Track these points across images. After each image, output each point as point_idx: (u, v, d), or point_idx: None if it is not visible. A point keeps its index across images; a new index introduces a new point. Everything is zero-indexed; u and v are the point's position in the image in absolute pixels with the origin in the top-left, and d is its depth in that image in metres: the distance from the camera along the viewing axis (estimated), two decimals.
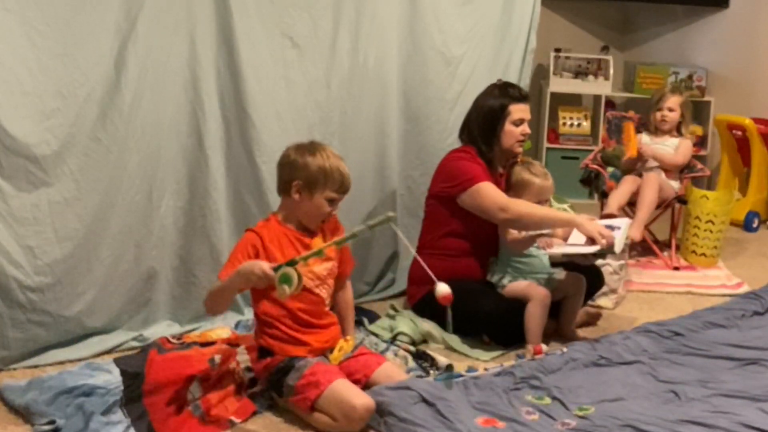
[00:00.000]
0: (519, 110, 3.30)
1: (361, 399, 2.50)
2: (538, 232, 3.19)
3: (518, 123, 3.30)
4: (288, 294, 2.42)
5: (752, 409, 2.54)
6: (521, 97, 3.33)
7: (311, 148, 2.67)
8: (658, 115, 4.41)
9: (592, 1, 5.92)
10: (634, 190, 4.22)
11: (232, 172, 3.29)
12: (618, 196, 4.19)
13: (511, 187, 3.29)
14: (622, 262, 3.76)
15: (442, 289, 2.42)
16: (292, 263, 2.44)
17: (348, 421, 2.50)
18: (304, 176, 2.62)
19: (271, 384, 2.67)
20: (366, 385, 2.66)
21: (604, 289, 3.64)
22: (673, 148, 4.38)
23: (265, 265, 2.43)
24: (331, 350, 2.75)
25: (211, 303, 2.62)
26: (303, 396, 2.56)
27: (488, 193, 3.19)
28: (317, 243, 2.68)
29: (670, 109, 4.39)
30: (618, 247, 3.04)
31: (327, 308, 2.77)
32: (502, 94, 3.33)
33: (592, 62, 5.71)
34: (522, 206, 3.16)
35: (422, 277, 3.34)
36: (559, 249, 3.15)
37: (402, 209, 3.80)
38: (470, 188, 3.21)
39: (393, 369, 2.78)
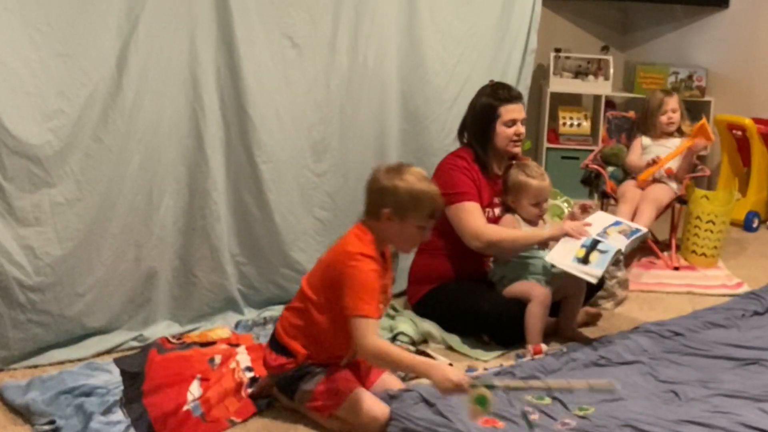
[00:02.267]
0: (509, 111, 3.29)
1: (381, 409, 2.50)
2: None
3: (510, 124, 3.29)
4: (478, 415, 2.32)
5: (752, 409, 2.54)
6: (511, 97, 3.31)
7: (399, 170, 2.56)
8: (664, 119, 4.41)
9: (592, 1, 5.92)
10: (635, 206, 4.21)
11: (232, 172, 3.30)
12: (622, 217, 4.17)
13: (509, 190, 3.29)
14: (621, 264, 3.76)
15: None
16: (491, 387, 2.31)
17: (368, 430, 2.50)
18: (394, 202, 2.51)
19: (283, 387, 2.63)
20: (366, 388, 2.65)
21: (603, 293, 3.65)
22: (675, 148, 4.38)
23: (464, 379, 2.32)
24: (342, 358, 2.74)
25: (376, 362, 2.50)
26: (323, 404, 2.54)
27: (468, 215, 3.20)
28: (387, 273, 2.61)
29: (674, 111, 4.41)
30: (625, 248, 3.08)
31: None
32: (492, 95, 3.33)
33: (592, 62, 5.71)
34: (494, 234, 3.17)
35: (422, 278, 3.36)
36: (564, 266, 3.08)
37: None
38: (455, 204, 3.21)
39: (391, 380, 2.75)
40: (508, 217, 3.30)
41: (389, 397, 2.57)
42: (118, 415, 2.57)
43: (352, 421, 2.52)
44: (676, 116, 4.41)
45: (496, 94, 3.32)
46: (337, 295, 2.44)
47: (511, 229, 3.22)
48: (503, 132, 3.30)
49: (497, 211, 3.35)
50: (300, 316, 2.58)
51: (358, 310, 2.39)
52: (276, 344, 2.62)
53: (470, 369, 2.96)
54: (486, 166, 3.33)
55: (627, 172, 4.51)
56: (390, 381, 2.74)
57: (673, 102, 4.41)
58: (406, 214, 2.51)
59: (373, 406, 2.52)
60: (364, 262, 2.44)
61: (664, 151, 4.38)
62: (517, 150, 3.35)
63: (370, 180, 2.58)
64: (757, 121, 5.04)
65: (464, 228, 3.20)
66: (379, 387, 2.69)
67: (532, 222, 3.28)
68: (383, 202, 2.51)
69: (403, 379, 2.83)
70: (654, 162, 4.29)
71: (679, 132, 4.45)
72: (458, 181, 3.25)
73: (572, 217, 3.24)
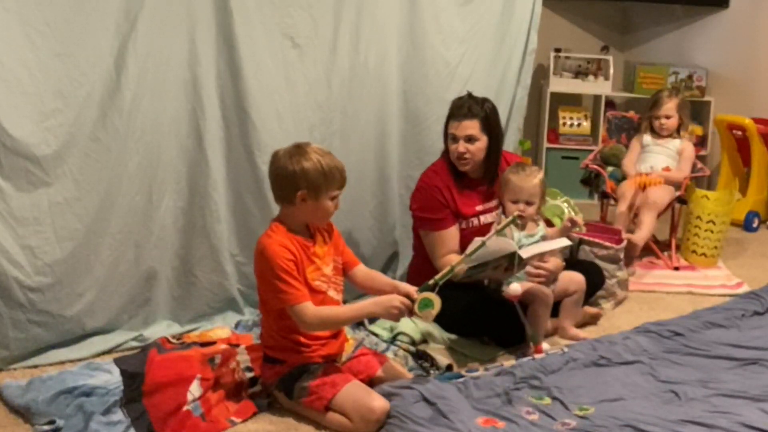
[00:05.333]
0: (453, 126, 3.29)
1: (378, 401, 2.53)
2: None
3: (453, 139, 3.28)
4: (433, 316, 2.59)
5: (752, 409, 2.54)
6: (459, 114, 3.27)
7: (301, 152, 2.61)
8: (657, 123, 4.43)
9: (592, 1, 5.92)
10: (636, 206, 4.22)
11: (232, 172, 3.30)
12: (621, 218, 4.17)
13: (500, 186, 3.30)
14: (621, 264, 3.76)
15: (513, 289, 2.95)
16: (426, 287, 2.62)
17: (364, 423, 2.51)
18: (307, 184, 2.58)
19: (282, 386, 2.67)
20: (369, 385, 2.67)
21: (603, 293, 3.64)
22: (675, 150, 4.39)
23: (404, 300, 2.56)
24: (340, 356, 2.77)
25: (324, 327, 2.66)
26: (318, 396, 2.57)
27: (436, 245, 3.27)
28: (318, 246, 2.68)
29: (668, 116, 4.41)
30: (525, 253, 3.01)
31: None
32: (450, 108, 3.33)
33: (592, 62, 5.71)
34: (442, 265, 3.12)
35: (421, 280, 3.35)
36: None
37: (402, 209, 3.79)
38: (428, 232, 3.29)
39: (396, 368, 2.80)
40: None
41: (389, 395, 2.58)
42: (118, 415, 2.57)
43: (348, 412, 2.53)
44: (669, 122, 4.40)
45: (452, 108, 3.31)
46: (269, 288, 2.58)
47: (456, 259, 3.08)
48: (450, 147, 3.30)
49: (483, 219, 3.34)
50: (266, 322, 2.71)
51: (287, 300, 2.54)
52: (266, 358, 2.74)
53: (470, 369, 2.96)
54: (460, 176, 3.32)
55: (617, 163, 4.52)
56: (394, 369, 2.78)
57: (668, 108, 4.40)
58: (320, 192, 2.60)
59: (369, 397, 2.54)
60: (274, 250, 2.55)
61: (663, 151, 4.40)
62: (465, 168, 3.29)
63: (275, 167, 2.65)
64: (757, 121, 5.04)
65: (432, 257, 3.29)
66: (383, 374, 2.73)
67: (517, 224, 3.20)
68: (297, 185, 2.59)
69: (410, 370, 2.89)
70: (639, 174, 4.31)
71: (678, 134, 4.44)
72: (433, 206, 3.27)
73: (565, 228, 3.26)
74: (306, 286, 2.60)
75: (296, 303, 2.54)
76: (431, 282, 2.65)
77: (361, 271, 2.82)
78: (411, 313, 2.59)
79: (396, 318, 2.61)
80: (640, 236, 4.08)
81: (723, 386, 2.74)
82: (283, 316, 2.60)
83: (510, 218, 2.93)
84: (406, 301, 2.56)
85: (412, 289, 2.63)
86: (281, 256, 2.55)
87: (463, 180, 3.33)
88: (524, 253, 2.98)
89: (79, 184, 2.91)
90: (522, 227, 3.23)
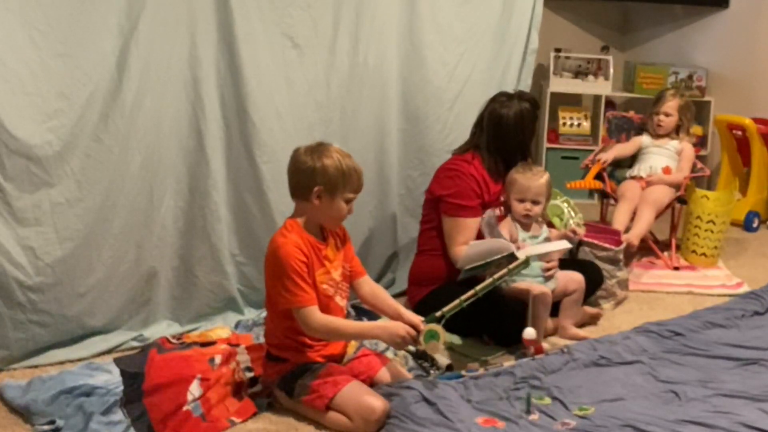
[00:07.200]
0: None
1: (378, 401, 2.53)
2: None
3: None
4: (438, 349, 2.65)
5: (752, 409, 2.54)
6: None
7: (323, 150, 2.63)
8: (655, 119, 4.42)
9: (592, 1, 5.92)
10: (635, 206, 4.21)
11: (232, 172, 3.30)
12: (621, 217, 4.17)
13: (505, 187, 3.30)
14: (621, 264, 3.76)
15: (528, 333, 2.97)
16: (432, 319, 2.63)
17: (365, 423, 2.51)
18: (324, 181, 2.59)
19: (283, 384, 2.67)
20: (370, 385, 2.68)
21: (603, 293, 3.64)
22: (674, 150, 4.39)
23: (410, 330, 2.58)
24: (342, 357, 2.77)
25: (326, 336, 2.65)
26: (319, 394, 2.57)
27: (458, 234, 3.23)
28: (330, 250, 2.69)
29: (667, 114, 4.40)
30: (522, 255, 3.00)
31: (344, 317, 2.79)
32: (529, 101, 3.40)
33: (592, 62, 5.71)
34: (457, 253, 3.20)
35: (423, 278, 3.36)
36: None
37: (402, 209, 3.80)
38: (454, 217, 3.26)
39: (396, 368, 2.80)
40: (504, 222, 3.29)
41: (389, 395, 2.58)
42: (118, 415, 2.57)
43: (349, 412, 2.53)
44: (667, 120, 4.39)
45: (532, 100, 3.37)
46: (278, 287, 2.58)
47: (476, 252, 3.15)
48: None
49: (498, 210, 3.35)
50: (271, 320, 2.72)
51: (295, 302, 2.55)
52: (269, 356, 2.74)
53: (470, 369, 2.96)
54: (497, 171, 3.32)
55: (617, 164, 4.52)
56: (395, 370, 2.77)
57: (669, 106, 4.39)
58: (336, 190, 2.60)
59: (369, 397, 2.54)
60: (288, 250, 2.55)
61: (662, 152, 4.39)
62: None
63: (294, 162, 2.66)
64: (757, 121, 5.04)
65: (450, 243, 3.26)
66: (384, 375, 2.73)
67: (522, 224, 3.25)
68: (314, 181, 2.60)
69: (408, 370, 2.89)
70: (598, 161, 4.36)
71: (677, 135, 4.44)
72: (467, 194, 3.26)
73: (566, 236, 3.30)
74: (314, 289, 2.60)
75: (303, 306, 2.55)
76: (438, 314, 2.66)
77: (367, 283, 2.83)
78: (416, 343, 2.61)
79: (399, 346, 2.65)
80: (636, 233, 4.05)
81: (723, 386, 2.74)
82: (289, 316, 2.60)
83: (524, 258, 2.93)
84: (412, 331, 2.58)
85: (417, 320, 2.63)
86: (294, 257, 2.55)
87: (493, 175, 3.33)
88: (522, 255, 2.98)
89: (81, 184, 2.92)
90: (524, 227, 3.24)
